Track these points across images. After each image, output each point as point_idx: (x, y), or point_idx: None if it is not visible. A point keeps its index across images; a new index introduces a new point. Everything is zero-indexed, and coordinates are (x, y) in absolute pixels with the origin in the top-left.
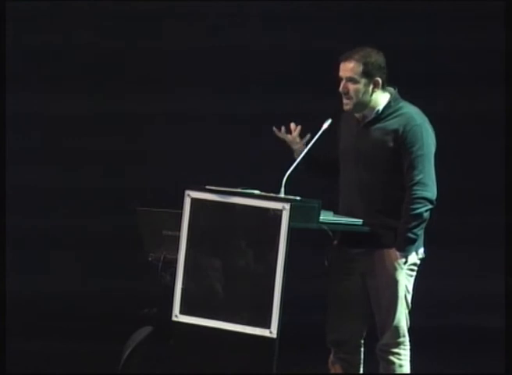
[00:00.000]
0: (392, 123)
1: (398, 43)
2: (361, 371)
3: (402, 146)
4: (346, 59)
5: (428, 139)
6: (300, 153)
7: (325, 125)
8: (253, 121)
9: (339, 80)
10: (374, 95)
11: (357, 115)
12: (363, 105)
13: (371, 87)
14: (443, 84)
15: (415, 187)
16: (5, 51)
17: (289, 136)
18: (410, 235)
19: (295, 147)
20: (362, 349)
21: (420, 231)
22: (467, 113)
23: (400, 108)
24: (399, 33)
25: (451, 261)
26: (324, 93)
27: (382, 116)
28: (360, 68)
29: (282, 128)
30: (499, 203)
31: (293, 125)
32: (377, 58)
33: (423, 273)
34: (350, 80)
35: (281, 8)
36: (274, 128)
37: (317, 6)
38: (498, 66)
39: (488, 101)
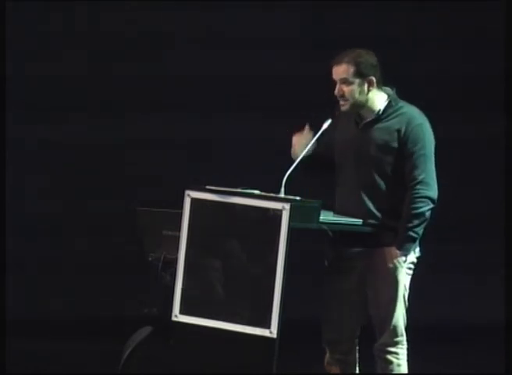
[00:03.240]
0: (393, 123)
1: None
2: (357, 371)
3: (404, 145)
4: (338, 62)
5: (429, 138)
6: (297, 155)
7: (325, 125)
8: (253, 121)
9: (333, 83)
10: (370, 94)
11: (355, 115)
12: (360, 104)
13: (365, 86)
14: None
15: (418, 187)
16: (5, 52)
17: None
18: (411, 234)
19: (298, 147)
20: (357, 348)
21: (421, 230)
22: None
23: (400, 108)
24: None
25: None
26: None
27: (382, 116)
28: (353, 68)
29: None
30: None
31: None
32: (368, 57)
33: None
34: (344, 81)
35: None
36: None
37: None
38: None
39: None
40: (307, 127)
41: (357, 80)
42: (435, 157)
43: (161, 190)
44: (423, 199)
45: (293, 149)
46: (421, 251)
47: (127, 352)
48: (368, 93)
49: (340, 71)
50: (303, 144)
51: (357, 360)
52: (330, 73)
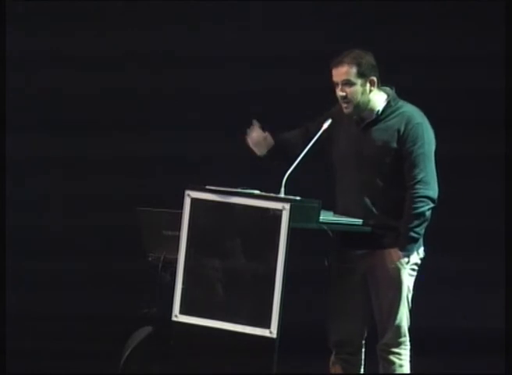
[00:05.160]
0: (393, 123)
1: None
2: (362, 371)
3: (403, 145)
4: (338, 64)
5: (428, 137)
6: (262, 152)
7: (325, 125)
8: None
9: (334, 85)
10: (372, 95)
11: (356, 115)
12: (363, 106)
13: (368, 86)
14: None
15: (417, 186)
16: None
17: (256, 135)
18: (412, 234)
19: (256, 147)
20: (363, 350)
21: (422, 230)
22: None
23: (399, 108)
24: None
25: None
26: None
27: (382, 116)
28: (355, 69)
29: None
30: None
31: (256, 122)
32: (368, 58)
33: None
34: (346, 83)
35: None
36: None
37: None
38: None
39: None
40: (254, 123)
41: (360, 81)
42: (435, 157)
43: (161, 190)
44: (422, 199)
45: (255, 150)
46: (424, 251)
47: (127, 352)
48: (369, 93)
49: (342, 72)
50: (260, 142)
51: (363, 361)
52: (330, 75)
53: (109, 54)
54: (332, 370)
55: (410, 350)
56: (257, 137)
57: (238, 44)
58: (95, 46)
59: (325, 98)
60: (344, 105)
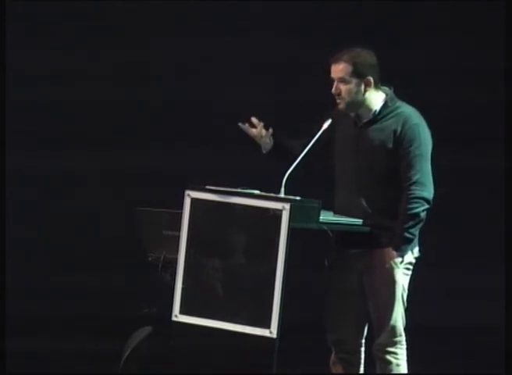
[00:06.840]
0: (390, 124)
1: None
2: (362, 371)
3: (399, 145)
4: (336, 61)
5: (425, 138)
6: (267, 147)
7: (325, 125)
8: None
9: (332, 81)
10: (367, 94)
11: (352, 115)
12: (356, 104)
13: (362, 86)
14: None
15: (413, 187)
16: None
17: (253, 130)
18: (406, 235)
19: (261, 142)
20: (363, 349)
21: (416, 231)
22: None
23: (396, 108)
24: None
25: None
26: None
27: (379, 116)
28: (350, 68)
29: (246, 124)
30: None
31: (254, 119)
32: (367, 57)
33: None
34: (341, 80)
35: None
36: (239, 124)
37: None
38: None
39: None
40: (253, 120)
41: (355, 80)
42: (432, 159)
43: (161, 190)
44: (418, 200)
45: (259, 142)
46: (420, 251)
47: (127, 352)
48: (364, 93)
49: (338, 70)
50: (264, 139)
51: (362, 361)
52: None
53: (109, 55)
54: (333, 370)
55: (408, 349)
56: (255, 131)
57: (237, 48)
58: (95, 47)
59: (323, 98)
60: (338, 101)
